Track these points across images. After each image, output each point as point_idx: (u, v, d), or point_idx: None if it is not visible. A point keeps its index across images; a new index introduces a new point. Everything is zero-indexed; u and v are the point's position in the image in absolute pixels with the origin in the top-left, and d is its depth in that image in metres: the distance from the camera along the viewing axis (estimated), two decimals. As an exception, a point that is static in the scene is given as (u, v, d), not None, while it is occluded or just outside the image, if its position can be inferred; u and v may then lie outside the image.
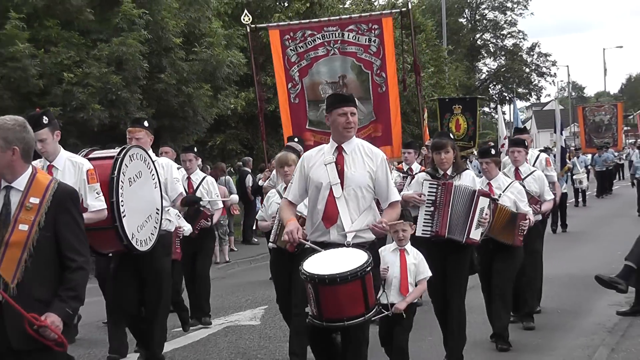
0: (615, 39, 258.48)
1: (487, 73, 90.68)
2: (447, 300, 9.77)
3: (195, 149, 14.29)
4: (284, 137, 16.20)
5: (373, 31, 16.33)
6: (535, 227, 11.83)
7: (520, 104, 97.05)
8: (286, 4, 34.63)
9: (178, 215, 12.11)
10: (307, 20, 19.79)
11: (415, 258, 8.81)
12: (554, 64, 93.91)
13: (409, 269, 8.72)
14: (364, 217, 7.45)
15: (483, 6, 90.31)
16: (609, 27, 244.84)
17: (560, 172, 24.47)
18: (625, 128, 61.38)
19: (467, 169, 10.17)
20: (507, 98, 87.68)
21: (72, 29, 23.94)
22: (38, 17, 23.64)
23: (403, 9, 17.31)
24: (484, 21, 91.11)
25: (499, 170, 11.30)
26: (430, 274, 8.88)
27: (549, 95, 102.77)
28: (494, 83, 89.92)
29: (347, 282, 6.72)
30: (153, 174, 9.37)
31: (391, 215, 7.63)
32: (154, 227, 9.24)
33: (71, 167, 8.54)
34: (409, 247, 8.86)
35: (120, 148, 8.85)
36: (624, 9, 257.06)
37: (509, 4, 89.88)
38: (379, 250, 8.47)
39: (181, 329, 12.88)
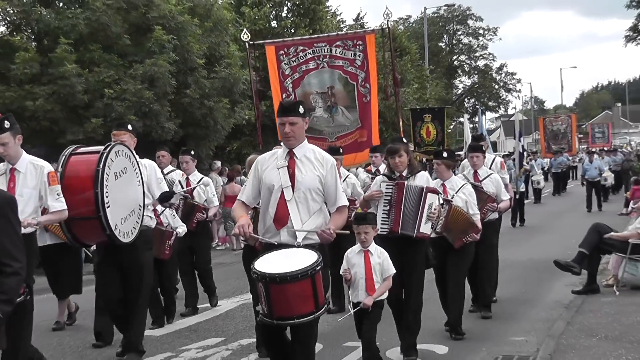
0: (570, 61, 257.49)
1: (462, 89, 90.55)
2: (405, 292, 9.16)
3: (192, 152, 13.72)
4: (279, 142, 15.62)
5: (358, 47, 16.01)
6: (492, 223, 11.61)
7: (490, 115, 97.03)
8: (292, 31, 34.79)
9: (174, 215, 11.87)
10: (299, 37, 19.71)
11: (380, 257, 8.14)
12: (518, 81, 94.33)
13: (373, 268, 8.05)
14: (314, 219, 6.82)
15: (459, 32, 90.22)
16: (565, 51, 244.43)
17: (518, 173, 24.57)
18: (579, 136, 61.25)
19: (421, 170, 9.52)
20: (480, 110, 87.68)
21: (112, 52, 24.03)
22: (83, 42, 23.73)
23: (384, 27, 16.92)
24: (460, 45, 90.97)
25: (453, 172, 10.75)
26: (394, 270, 8.19)
27: (515, 107, 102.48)
28: (469, 97, 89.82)
29: (298, 281, 6.12)
30: (137, 172, 8.83)
31: (337, 220, 6.92)
32: (136, 221, 8.66)
33: (33, 170, 8.01)
34: (372, 247, 8.17)
35: (106, 145, 8.29)
36: (577, 35, 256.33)
37: (481, 31, 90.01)
38: (346, 252, 8.33)
39: (208, 304, 12.90)
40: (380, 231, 8.75)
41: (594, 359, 8.38)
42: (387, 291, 8.25)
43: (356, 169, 15.49)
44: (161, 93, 23.78)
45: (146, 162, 9.54)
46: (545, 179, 37.62)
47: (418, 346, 9.21)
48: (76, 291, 11.66)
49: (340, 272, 8.27)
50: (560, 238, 19.49)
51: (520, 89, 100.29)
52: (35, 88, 22.56)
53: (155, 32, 24.19)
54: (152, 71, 23.41)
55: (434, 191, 9.09)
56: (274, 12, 37.20)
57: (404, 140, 9.75)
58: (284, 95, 16.11)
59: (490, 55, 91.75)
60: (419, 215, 8.81)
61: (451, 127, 31.49)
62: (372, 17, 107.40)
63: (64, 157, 8.19)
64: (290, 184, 6.78)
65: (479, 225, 10.27)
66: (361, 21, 46.09)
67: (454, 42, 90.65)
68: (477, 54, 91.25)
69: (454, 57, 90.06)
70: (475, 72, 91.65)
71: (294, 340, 6.60)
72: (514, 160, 25.71)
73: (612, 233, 12.59)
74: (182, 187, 12.86)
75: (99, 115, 22.75)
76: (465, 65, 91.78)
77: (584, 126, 79.39)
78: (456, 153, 22.25)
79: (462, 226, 10.03)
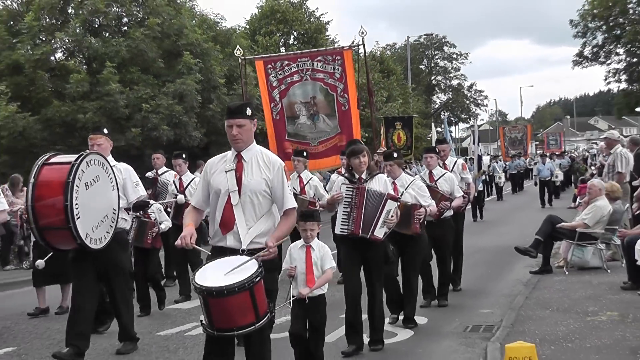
0: (528, 81, 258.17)
1: (439, 103, 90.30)
2: (367, 289, 8.21)
3: (184, 155, 12.78)
4: (269, 146, 14.76)
5: (337, 61, 15.14)
6: (447, 221, 10.63)
7: (462, 125, 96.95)
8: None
9: (160, 210, 11.24)
10: (285, 53, 19.12)
11: (320, 251, 7.11)
12: (486, 97, 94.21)
13: (315, 263, 7.02)
14: (261, 223, 5.80)
15: (436, 57, 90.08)
16: (524, 72, 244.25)
17: (477, 174, 24.48)
18: (536, 142, 61.20)
19: (379, 172, 8.57)
20: (453, 121, 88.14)
21: (149, 73, 24.17)
22: (125, 65, 23.85)
23: (360, 44, 15.84)
24: (437, 67, 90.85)
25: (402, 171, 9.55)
26: (333, 264, 7.15)
27: (482, 119, 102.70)
28: (444, 111, 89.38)
29: (235, 294, 5.17)
30: (111, 178, 7.79)
31: (282, 228, 5.85)
32: (110, 226, 7.65)
33: None
34: (315, 243, 7.13)
35: (78, 155, 7.33)
36: (534, 59, 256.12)
37: (454, 56, 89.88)
38: (289, 248, 7.29)
39: None
40: (340, 231, 8.05)
41: (547, 327, 8.39)
42: (327, 285, 7.19)
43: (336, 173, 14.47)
44: (189, 107, 23.93)
45: (122, 167, 8.49)
46: (507, 179, 37.60)
47: (401, 316, 9.21)
48: None
49: (283, 267, 7.06)
50: (519, 228, 19.49)
51: (487, 104, 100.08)
52: (86, 103, 22.76)
53: (184, 56, 24.38)
54: (181, 89, 23.58)
55: (394, 198, 8.15)
56: (282, 40, 37.24)
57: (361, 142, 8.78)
58: (272, 105, 15.40)
59: (462, 76, 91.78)
60: (375, 219, 7.90)
61: (430, 135, 31.75)
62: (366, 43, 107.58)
63: (36, 167, 7.19)
64: (237, 187, 5.76)
65: (431, 206, 9.28)
66: (355, 47, 45.97)
67: (432, 64, 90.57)
68: (451, 75, 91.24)
69: (432, 77, 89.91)
70: (450, 89, 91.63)
71: (247, 348, 5.69)
72: (471, 162, 25.75)
73: (562, 223, 12.60)
74: (176, 187, 12.38)
75: (137, 125, 22.93)
76: (441, 84, 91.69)
77: (539, 135, 79.25)
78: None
79: (405, 214, 8.80)
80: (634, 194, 11.53)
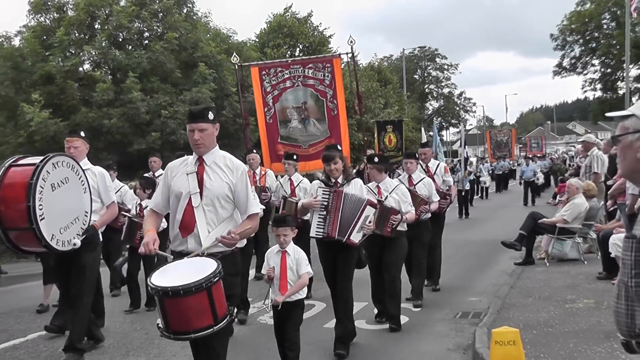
0: (513, 89, 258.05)
1: (432, 110, 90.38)
2: (336, 291, 7.64)
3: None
4: (262, 149, 14.94)
5: (327, 68, 14.82)
6: (425, 223, 9.93)
7: (453, 129, 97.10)
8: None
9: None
10: (278, 60, 18.50)
11: (296, 256, 6.52)
12: (474, 104, 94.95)
13: (290, 268, 6.44)
14: (222, 227, 5.18)
15: (429, 67, 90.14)
16: (509, 82, 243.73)
17: (463, 174, 24.44)
18: (520, 146, 61.15)
19: (355, 177, 7.93)
20: (445, 126, 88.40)
21: (167, 82, 24.19)
22: (146, 75, 23.91)
23: (348, 53, 15.26)
24: (430, 77, 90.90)
25: (385, 174, 8.88)
26: (309, 269, 6.54)
27: (471, 124, 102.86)
28: (436, 117, 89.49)
29: (192, 294, 4.54)
30: (82, 180, 7.08)
31: (245, 226, 5.25)
32: (81, 228, 7.00)
33: None
34: (290, 248, 6.55)
35: (44, 156, 6.67)
36: (518, 69, 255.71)
37: (446, 66, 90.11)
38: (266, 252, 6.72)
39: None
40: (315, 234, 7.45)
41: (530, 314, 8.38)
42: (306, 289, 6.69)
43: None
44: (204, 113, 23.93)
45: (96, 170, 7.84)
46: (493, 179, 37.55)
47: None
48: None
49: (262, 272, 6.71)
50: (504, 224, 19.47)
51: (475, 110, 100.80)
52: (110, 110, 22.77)
53: (199, 67, 24.41)
54: (197, 97, 23.58)
55: (373, 204, 7.56)
56: (289, 52, 37.19)
57: (339, 147, 8.12)
58: (265, 109, 14.99)
59: (453, 85, 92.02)
60: (353, 224, 7.34)
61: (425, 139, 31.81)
62: (363, 56, 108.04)
63: (3, 167, 6.56)
64: (198, 190, 5.20)
65: (409, 213, 8.64)
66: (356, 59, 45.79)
67: (425, 74, 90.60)
68: (443, 84, 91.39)
69: (425, 86, 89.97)
70: (441, 97, 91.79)
71: (200, 355, 5.04)
72: (460, 162, 25.76)
73: (544, 219, 12.61)
74: None
75: (157, 130, 22.96)
76: (433, 92, 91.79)
77: (523, 138, 79.14)
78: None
79: (381, 216, 8.23)
80: (608, 192, 11.50)
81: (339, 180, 7.61)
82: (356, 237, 7.39)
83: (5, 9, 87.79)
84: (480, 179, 32.33)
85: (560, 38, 49.42)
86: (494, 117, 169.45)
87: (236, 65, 16.40)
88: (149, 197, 9.21)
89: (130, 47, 25.32)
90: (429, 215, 10.04)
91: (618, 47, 42.69)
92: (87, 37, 25.02)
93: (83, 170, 7.13)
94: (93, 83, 23.35)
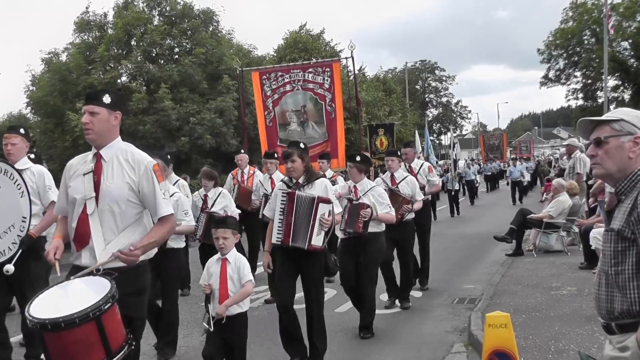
0: (504, 98, 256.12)
1: (432, 117, 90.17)
2: (306, 305, 6.30)
3: (169, 157, 9.76)
4: (262, 151, 13.93)
5: (326, 73, 13.95)
6: (409, 224, 8.78)
7: (450, 134, 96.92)
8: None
9: None
10: (279, 65, 17.84)
11: (237, 265, 5.26)
12: (469, 112, 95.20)
13: (230, 277, 5.20)
14: (124, 237, 3.93)
15: (429, 79, 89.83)
16: (500, 91, 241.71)
17: (453, 175, 24.34)
18: (510, 149, 60.88)
19: (320, 177, 6.56)
20: (443, 131, 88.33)
21: (195, 92, 24.26)
22: (176, 86, 23.96)
23: (348, 57, 14.49)
24: (430, 87, 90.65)
25: (364, 175, 7.68)
26: (251, 277, 5.24)
27: (467, 129, 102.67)
28: (436, 123, 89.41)
29: (76, 327, 3.30)
30: (18, 184, 5.73)
31: (151, 237, 3.97)
32: (18, 235, 5.66)
33: None
34: (231, 255, 5.28)
35: None
36: (508, 80, 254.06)
37: (444, 78, 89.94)
38: (207, 262, 5.46)
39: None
40: (276, 241, 6.12)
41: (519, 300, 8.38)
42: (248, 300, 5.36)
43: None
44: (227, 120, 23.99)
45: (36, 169, 6.37)
46: (484, 180, 37.43)
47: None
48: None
49: (200, 282, 5.42)
50: (496, 220, 19.43)
51: (470, 117, 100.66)
52: (145, 117, 22.87)
53: (223, 79, 24.47)
54: (221, 105, 23.65)
55: (326, 201, 6.12)
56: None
57: (302, 145, 6.63)
58: (265, 112, 14.19)
59: (450, 94, 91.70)
60: (310, 226, 6.02)
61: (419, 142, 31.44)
62: (370, 69, 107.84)
63: None
64: (93, 194, 3.94)
65: (384, 216, 7.48)
66: (363, 71, 45.63)
67: (426, 85, 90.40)
68: (442, 93, 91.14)
69: (426, 95, 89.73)
70: (440, 105, 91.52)
71: None
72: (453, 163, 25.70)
73: (532, 215, 12.59)
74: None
75: (186, 135, 23.04)
76: (433, 101, 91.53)
77: (513, 142, 78.86)
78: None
79: (352, 212, 7.31)
80: (590, 191, 11.47)
81: (300, 180, 6.30)
82: (318, 241, 6.07)
83: (54, 29, 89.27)
84: (465, 179, 31.17)
85: (546, 52, 49.15)
86: (487, 123, 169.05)
87: (237, 70, 15.81)
88: None
89: (162, 62, 25.42)
90: (413, 215, 8.86)
91: (597, 60, 42.43)
92: (124, 53, 25.12)
93: (19, 172, 5.85)
94: (129, 93, 23.42)
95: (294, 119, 14.26)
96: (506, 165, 46.74)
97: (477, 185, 33.06)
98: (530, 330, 6.84)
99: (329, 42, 39.06)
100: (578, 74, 49.22)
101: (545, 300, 8.28)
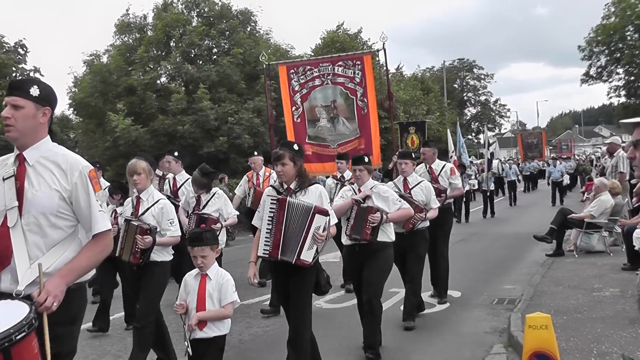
0: (543, 96, 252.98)
1: (470, 116, 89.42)
2: (290, 322, 5.59)
3: (176, 153, 10.24)
4: None
5: (357, 66, 13.10)
6: (421, 232, 7.82)
7: (489, 133, 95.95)
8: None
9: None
10: (307, 58, 17.30)
11: (218, 282, 4.73)
12: (508, 110, 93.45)
13: (209, 295, 4.69)
14: (53, 255, 3.25)
15: (467, 77, 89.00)
16: (540, 89, 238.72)
17: (487, 174, 23.87)
18: (550, 148, 60.00)
19: (315, 183, 5.70)
20: (482, 130, 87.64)
21: (233, 92, 24.48)
22: (215, 87, 24.23)
23: (379, 50, 13.57)
24: (468, 86, 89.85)
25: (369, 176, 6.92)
26: (235, 298, 4.74)
27: (506, 128, 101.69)
28: (474, 122, 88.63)
29: None
30: None
31: (81, 260, 3.29)
32: None
33: None
34: (212, 271, 4.77)
35: None
36: (548, 78, 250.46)
37: (482, 76, 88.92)
38: (185, 275, 4.94)
39: None
40: (263, 253, 5.44)
41: (560, 301, 8.26)
42: (227, 323, 4.82)
43: (325, 177, 12.06)
44: (265, 120, 24.09)
45: None
46: (522, 179, 36.83)
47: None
48: None
49: (177, 301, 4.87)
50: (535, 220, 19.20)
51: (509, 116, 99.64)
52: (184, 117, 23.15)
53: (261, 79, 24.55)
54: (259, 105, 23.79)
55: (324, 212, 5.43)
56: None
57: (295, 147, 5.75)
58: (293, 108, 13.43)
59: (489, 93, 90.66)
60: (301, 239, 5.35)
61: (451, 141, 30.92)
62: (407, 68, 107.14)
63: None
64: (16, 204, 3.25)
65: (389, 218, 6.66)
66: (400, 70, 45.30)
67: (464, 83, 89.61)
68: (480, 92, 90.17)
69: (464, 94, 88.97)
70: (479, 104, 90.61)
71: None
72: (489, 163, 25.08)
73: (572, 214, 12.41)
74: (170, 187, 9.98)
75: (224, 134, 23.23)
76: (471, 100, 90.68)
77: (553, 141, 77.77)
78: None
79: (360, 217, 6.57)
80: (634, 190, 11.26)
81: (292, 186, 5.58)
82: (307, 256, 5.38)
83: (96, 31, 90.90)
84: (506, 180, 30.33)
85: (587, 49, 48.30)
86: (527, 121, 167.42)
87: (264, 64, 15.04)
88: (121, 204, 7.33)
89: (200, 62, 25.71)
90: (427, 223, 7.95)
91: (641, 56, 41.70)
92: (163, 54, 25.49)
93: None
94: (169, 94, 23.76)
95: (323, 114, 13.49)
96: (545, 165, 46.19)
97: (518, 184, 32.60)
98: (572, 332, 6.73)
99: (366, 41, 39.00)
100: (620, 70, 48.27)
101: (587, 302, 8.14)
